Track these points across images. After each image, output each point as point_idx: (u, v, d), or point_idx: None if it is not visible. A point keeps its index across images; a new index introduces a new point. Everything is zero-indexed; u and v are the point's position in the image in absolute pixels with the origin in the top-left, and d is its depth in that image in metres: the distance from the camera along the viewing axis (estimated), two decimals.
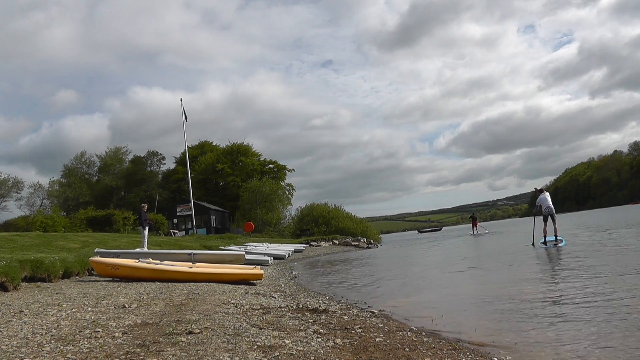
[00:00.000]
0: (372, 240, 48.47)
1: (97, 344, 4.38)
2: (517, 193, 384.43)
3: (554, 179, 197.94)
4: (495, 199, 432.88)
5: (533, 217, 19.75)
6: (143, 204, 21.04)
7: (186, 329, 4.96)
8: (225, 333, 4.92)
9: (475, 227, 45.99)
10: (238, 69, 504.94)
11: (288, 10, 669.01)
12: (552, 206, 18.30)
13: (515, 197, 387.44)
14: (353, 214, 56.17)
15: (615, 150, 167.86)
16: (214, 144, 73.05)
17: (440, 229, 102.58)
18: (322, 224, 51.36)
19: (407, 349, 4.83)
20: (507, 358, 4.74)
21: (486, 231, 45.19)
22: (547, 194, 19.02)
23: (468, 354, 4.78)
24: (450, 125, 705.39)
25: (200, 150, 70.33)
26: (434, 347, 4.98)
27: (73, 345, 4.30)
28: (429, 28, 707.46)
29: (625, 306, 6.33)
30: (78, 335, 4.70)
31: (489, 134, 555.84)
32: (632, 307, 6.19)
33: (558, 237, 17.85)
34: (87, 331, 4.90)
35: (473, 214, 52.52)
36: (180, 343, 4.36)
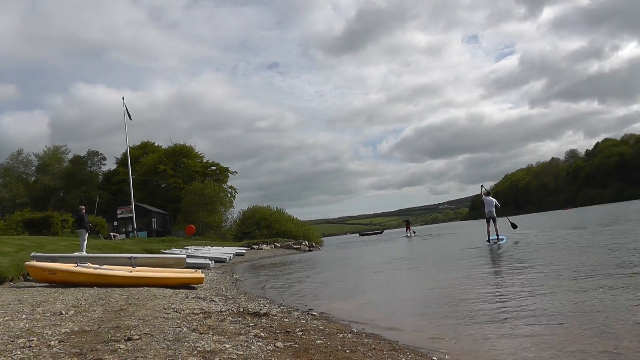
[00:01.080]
0: (313, 243, 48.57)
1: (32, 353, 4.20)
2: (458, 197, 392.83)
3: (494, 184, 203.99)
4: (436, 203, 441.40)
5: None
6: (81, 206, 20.32)
7: (125, 336, 4.82)
8: (165, 339, 4.80)
9: (408, 230, 50.35)
10: (184, 69, 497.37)
11: (237, 11, 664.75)
12: (492, 210, 20.15)
13: (456, 201, 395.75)
14: (295, 217, 56.23)
15: (553, 158, 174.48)
16: (156, 144, 71.61)
17: (381, 232, 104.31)
18: (264, 227, 51.08)
19: (347, 351, 4.85)
20: (446, 357, 4.82)
21: (414, 233, 50.01)
22: (490, 198, 20.80)
23: (408, 354, 4.84)
24: (394, 130, 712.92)
25: (142, 150, 68.67)
26: (375, 348, 5.01)
27: (5, 356, 4.10)
28: (376, 35, 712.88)
29: (562, 303, 6.57)
30: (11, 345, 4.49)
31: (432, 140, 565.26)
32: (569, 305, 6.44)
33: (499, 236, 19.68)
34: (21, 340, 4.69)
35: (407, 219, 57.02)
36: (119, 350, 4.24)
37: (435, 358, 4.74)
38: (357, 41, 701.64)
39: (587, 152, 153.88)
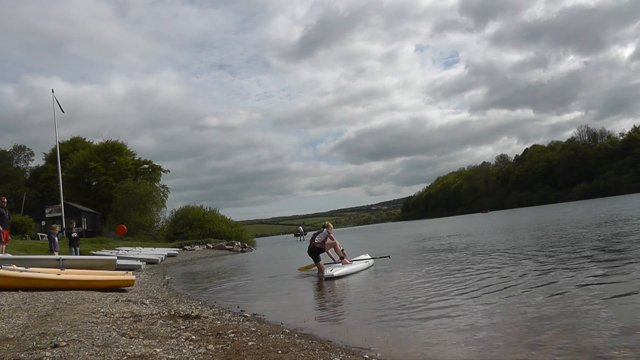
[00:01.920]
0: (246, 244, 48.33)
1: None
2: (392, 199, 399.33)
3: (427, 186, 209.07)
4: (369, 204, 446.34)
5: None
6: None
7: (51, 342, 4.61)
8: (93, 344, 4.64)
9: (300, 236, 66.28)
10: (143, 65, 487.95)
11: (202, 13, 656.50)
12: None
13: (390, 202, 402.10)
14: (228, 217, 55.62)
15: (484, 162, 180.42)
16: (87, 140, 69.21)
17: (305, 234, 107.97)
18: (196, 227, 50.27)
19: (279, 352, 4.83)
20: (378, 355, 4.88)
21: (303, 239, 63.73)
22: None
23: (340, 352, 4.86)
24: (337, 132, 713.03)
25: (72, 146, 66.05)
26: (307, 348, 5.02)
27: None
28: (333, 42, 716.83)
29: (492, 303, 6.82)
30: None
31: (373, 142, 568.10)
32: (498, 303, 6.69)
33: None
34: None
35: (300, 228, 74.20)
36: (44, 358, 4.04)
37: (367, 356, 4.79)
38: (313, 47, 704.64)
39: (517, 157, 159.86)
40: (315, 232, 14.58)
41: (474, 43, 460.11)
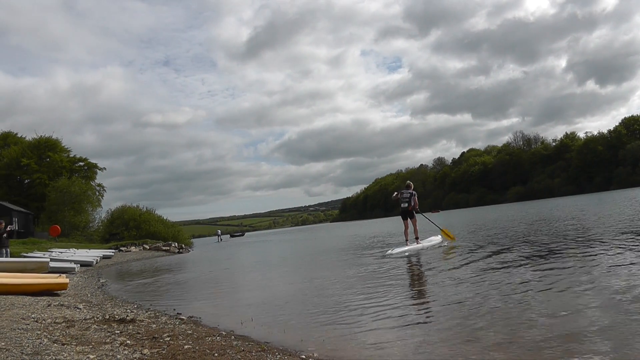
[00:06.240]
0: (183, 245, 47.56)
1: None
2: (331, 199, 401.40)
3: (365, 187, 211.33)
4: (307, 205, 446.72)
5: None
6: None
7: None
8: (22, 353, 4.42)
9: (219, 237, 77.91)
10: (87, 60, 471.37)
11: (151, 9, 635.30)
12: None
13: (327, 203, 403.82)
14: (165, 218, 54.56)
15: (421, 164, 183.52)
16: (19, 135, 65.92)
17: (243, 234, 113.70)
18: (132, 228, 48.98)
19: (216, 354, 4.78)
20: (315, 354, 4.87)
21: (222, 240, 74.33)
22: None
23: (277, 353, 4.84)
24: (280, 132, 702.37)
25: (3, 142, 62.81)
26: (243, 350, 4.98)
27: None
28: (279, 44, 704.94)
29: (429, 300, 6.96)
30: None
31: (315, 143, 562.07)
32: (432, 304, 6.78)
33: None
34: None
35: (218, 231, 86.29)
36: None
37: (303, 356, 4.78)
38: (261, 48, 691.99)
39: (454, 160, 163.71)
40: (400, 191, 15.59)
41: (416, 49, 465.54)
